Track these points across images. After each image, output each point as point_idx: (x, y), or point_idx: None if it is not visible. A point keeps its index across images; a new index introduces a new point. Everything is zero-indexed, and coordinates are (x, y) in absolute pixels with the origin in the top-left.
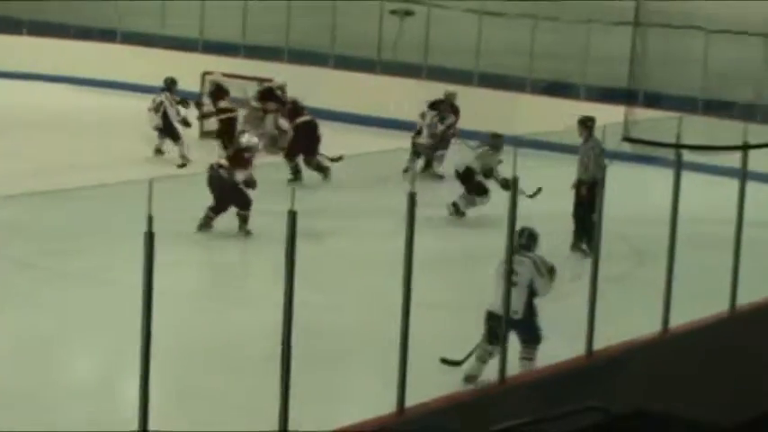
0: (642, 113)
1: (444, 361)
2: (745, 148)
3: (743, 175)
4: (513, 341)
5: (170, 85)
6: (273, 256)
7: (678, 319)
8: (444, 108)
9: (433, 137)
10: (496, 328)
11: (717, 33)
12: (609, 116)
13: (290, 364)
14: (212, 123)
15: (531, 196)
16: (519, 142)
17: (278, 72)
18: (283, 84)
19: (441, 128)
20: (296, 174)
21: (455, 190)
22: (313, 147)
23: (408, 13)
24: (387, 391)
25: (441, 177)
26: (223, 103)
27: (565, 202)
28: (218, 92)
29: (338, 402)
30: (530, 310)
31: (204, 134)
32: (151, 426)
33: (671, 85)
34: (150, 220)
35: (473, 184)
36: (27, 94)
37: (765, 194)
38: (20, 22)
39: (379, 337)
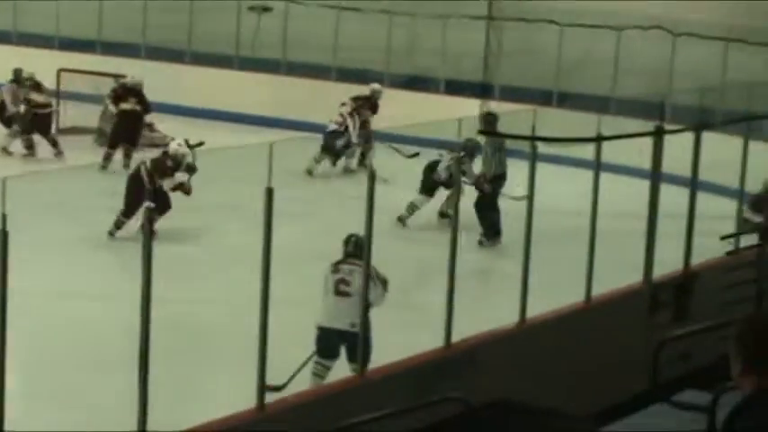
0: (497, 106)
1: (267, 387)
2: (599, 140)
3: (596, 166)
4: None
5: (18, 76)
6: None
7: (535, 311)
8: (363, 104)
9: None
10: (330, 342)
11: (571, 27)
12: (467, 110)
13: (149, 362)
14: (70, 119)
15: (410, 156)
16: (379, 137)
17: (134, 68)
18: (140, 81)
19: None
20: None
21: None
22: (134, 136)
23: (266, 9)
24: (249, 388)
25: (352, 171)
26: (36, 96)
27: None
28: (34, 86)
29: (199, 400)
30: (366, 323)
31: (61, 131)
32: (6, 426)
33: (525, 79)
34: (4, 218)
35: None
36: None
37: (620, 186)
38: None
39: (243, 333)
